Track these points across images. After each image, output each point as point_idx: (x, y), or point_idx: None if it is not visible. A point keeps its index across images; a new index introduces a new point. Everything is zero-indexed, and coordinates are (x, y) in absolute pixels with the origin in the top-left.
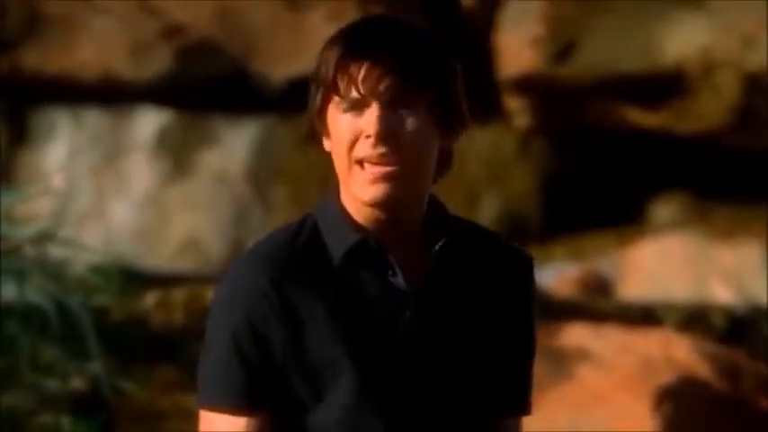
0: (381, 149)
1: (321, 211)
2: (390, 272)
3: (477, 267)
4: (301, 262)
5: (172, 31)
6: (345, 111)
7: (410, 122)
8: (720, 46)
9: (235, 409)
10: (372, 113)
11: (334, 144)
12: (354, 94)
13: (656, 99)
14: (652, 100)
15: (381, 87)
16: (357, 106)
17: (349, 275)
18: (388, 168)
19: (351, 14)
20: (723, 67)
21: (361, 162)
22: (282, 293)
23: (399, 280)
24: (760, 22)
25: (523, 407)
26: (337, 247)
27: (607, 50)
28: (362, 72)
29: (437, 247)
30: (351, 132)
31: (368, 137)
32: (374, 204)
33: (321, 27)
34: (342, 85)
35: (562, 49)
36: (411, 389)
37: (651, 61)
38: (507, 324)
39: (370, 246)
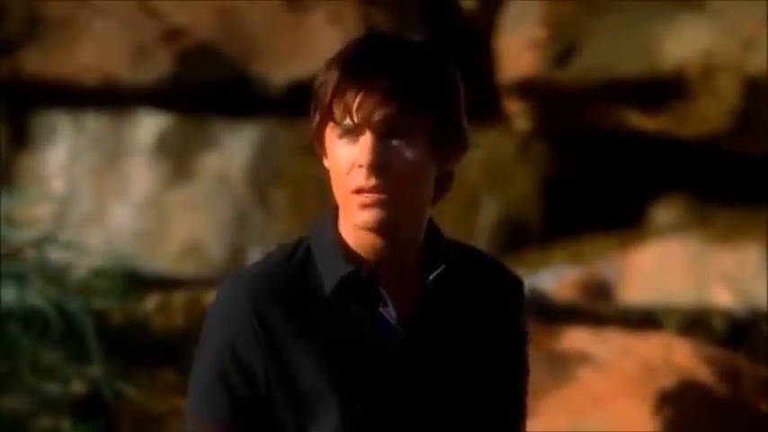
0: (373, 181)
1: (316, 235)
2: (382, 303)
3: (469, 295)
4: (291, 289)
5: (172, 35)
6: (341, 137)
7: (405, 152)
8: (721, 49)
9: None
10: (366, 143)
11: (332, 170)
12: (349, 122)
13: (656, 102)
14: (652, 103)
15: (376, 117)
16: (352, 133)
17: (339, 306)
18: (378, 196)
19: (351, 17)
20: (723, 70)
21: (354, 191)
22: (268, 323)
23: (390, 311)
24: (760, 24)
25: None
26: (329, 277)
27: (607, 53)
28: (358, 100)
29: (431, 278)
30: (346, 162)
31: (360, 167)
32: (367, 228)
33: (321, 29)
34: (338, 112)
35: (562, 52)
36: (400, 420)
37: (651, 64)
38: (499, 352)
39: (362, 277)
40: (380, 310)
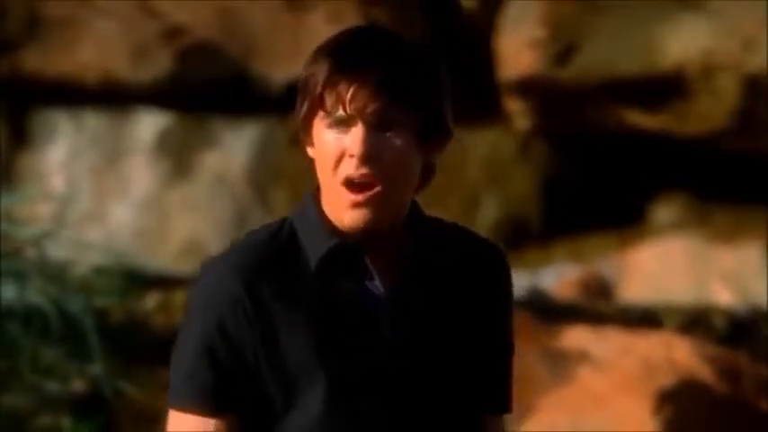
0: (364, 170)
1: (299, 214)
2: (368, 276)
3: (452, 267)
4: (277, 266)
5: (172, 33)
6: (330, 126)
7: (395, 144)
8: (721, 48)
9: (203, 411)
10: (358, 133)
11: (319, 158)
12: (341, 112)
13: (656, 101)
14: (652, 102)
15: (369, 109)
16: (343, 124)
17: (326, 280)
18: (368, 193)
19: (351, 16)
20: (723, 69)
21: (344, 181)
22: (257, 298)
23: (376, 284)
24: (760, 24)
25: (504, 405)
26: (314, 251)
27: (607, 53)
28: (351, 91)
29: (411, 250)
30: (335, 150)
31: (351, 156)
32: (355, 228)
33: (321, 29)
34: (329, 102)
35: (562, 51)
36: (389, 394)
37: (651, 63)
38: (484, 322)
39: (347, 250)
40: (366, 283)
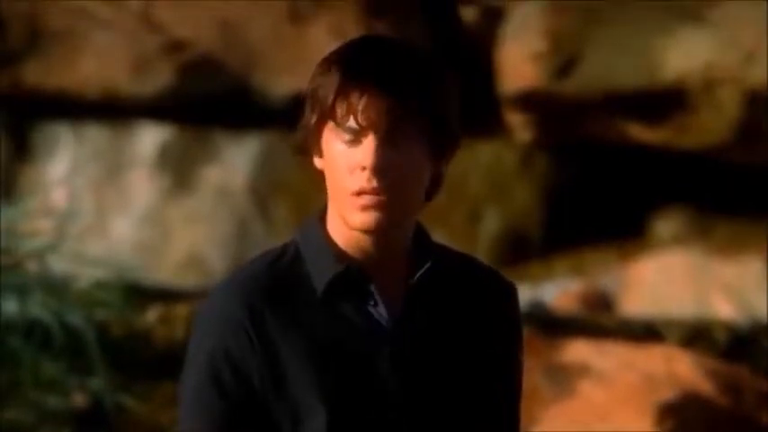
0: (376, 183)
1: (304, 237)
2: (372, 302)
3: (460, 298)
4: (282, 292)
5: (173, 47)
6: (341, 138)
7: (406, 155)
8: (722, 61)
9: None
10: (369, 146)
11: (329, 171)
12: (352, 123)
13: (657, 114)
14: (653, 115)
15: (381, 120)
16: (354, 135)
17: (331, 306)
18: (381, 197)
19: (352, 29)
20: (724, 82)
21: (355, 194)
22: (262, 326)
23: (381, 310)
24: (761, 37)
25: None
26: (320, 277)
27: (608, 66)
28: (362, 103)
29: (416, 276)
30: (347, 163)
31: (363, 169)
32: (363, 230)
33: (322, 41)
34: (340, 113)
35: (563, 65)
36: (391, 424)
37: (652, 77)
38: (491, 355)
39: (353, 276)
40: (370, 309)
